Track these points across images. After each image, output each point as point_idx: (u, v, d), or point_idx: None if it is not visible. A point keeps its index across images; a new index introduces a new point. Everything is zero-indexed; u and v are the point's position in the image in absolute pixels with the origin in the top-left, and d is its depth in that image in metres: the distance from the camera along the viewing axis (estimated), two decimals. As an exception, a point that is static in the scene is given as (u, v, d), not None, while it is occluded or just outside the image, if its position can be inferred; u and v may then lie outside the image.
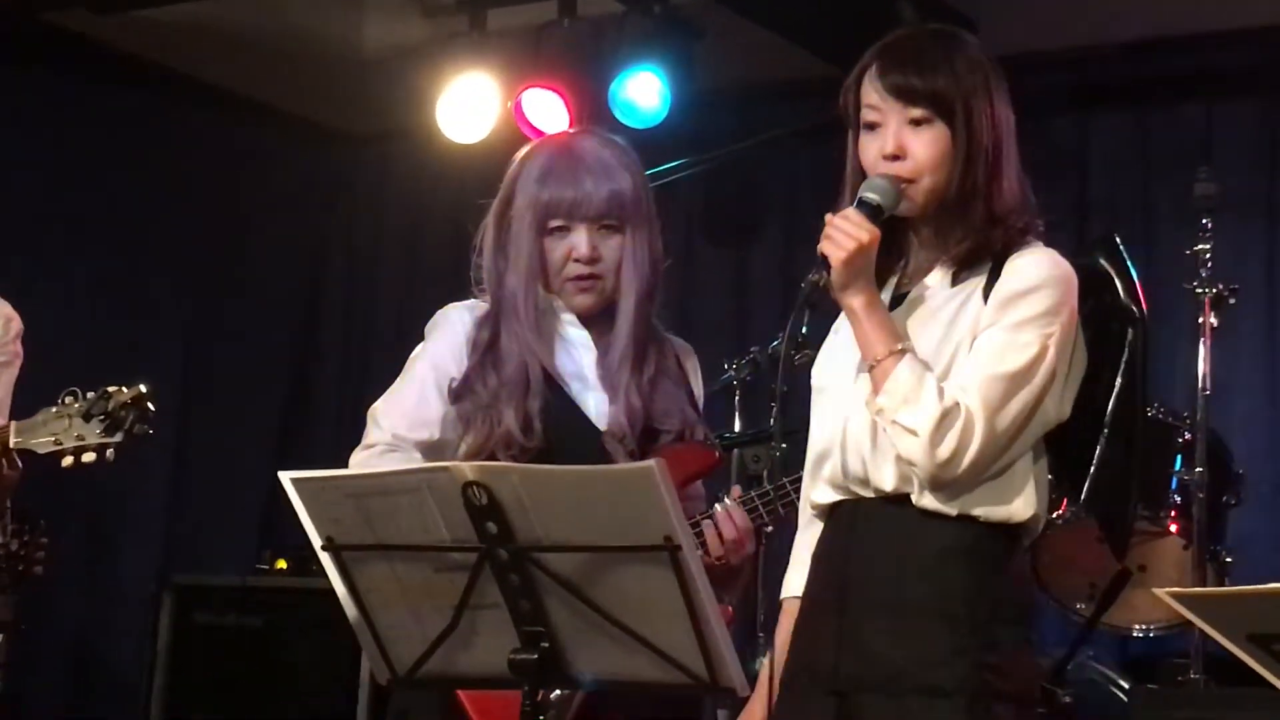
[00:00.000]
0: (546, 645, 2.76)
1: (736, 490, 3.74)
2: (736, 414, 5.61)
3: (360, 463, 3.58)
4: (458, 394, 3.60)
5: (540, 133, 6.21)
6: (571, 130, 4.65)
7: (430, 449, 3.57)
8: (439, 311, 3.76)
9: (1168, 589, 2.48)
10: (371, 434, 3.63)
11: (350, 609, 2.87)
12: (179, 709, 6.57)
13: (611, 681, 2.82)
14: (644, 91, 6.38)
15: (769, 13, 6.27)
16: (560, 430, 3.58)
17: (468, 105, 6.53)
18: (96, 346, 6.81)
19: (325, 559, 2.85)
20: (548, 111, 6.41)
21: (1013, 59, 5.91)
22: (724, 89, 6.80)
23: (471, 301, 3.72)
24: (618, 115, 6.39)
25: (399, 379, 3.70)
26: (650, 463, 2.63)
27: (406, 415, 3.61)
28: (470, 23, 6.54)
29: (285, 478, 2.86)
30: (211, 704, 6.55)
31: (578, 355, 3.69)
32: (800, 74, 6.39)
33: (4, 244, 6.48)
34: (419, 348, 3.73)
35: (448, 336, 3.68)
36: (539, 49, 6.41)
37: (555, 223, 3.63)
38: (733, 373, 5.49)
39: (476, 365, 3.61)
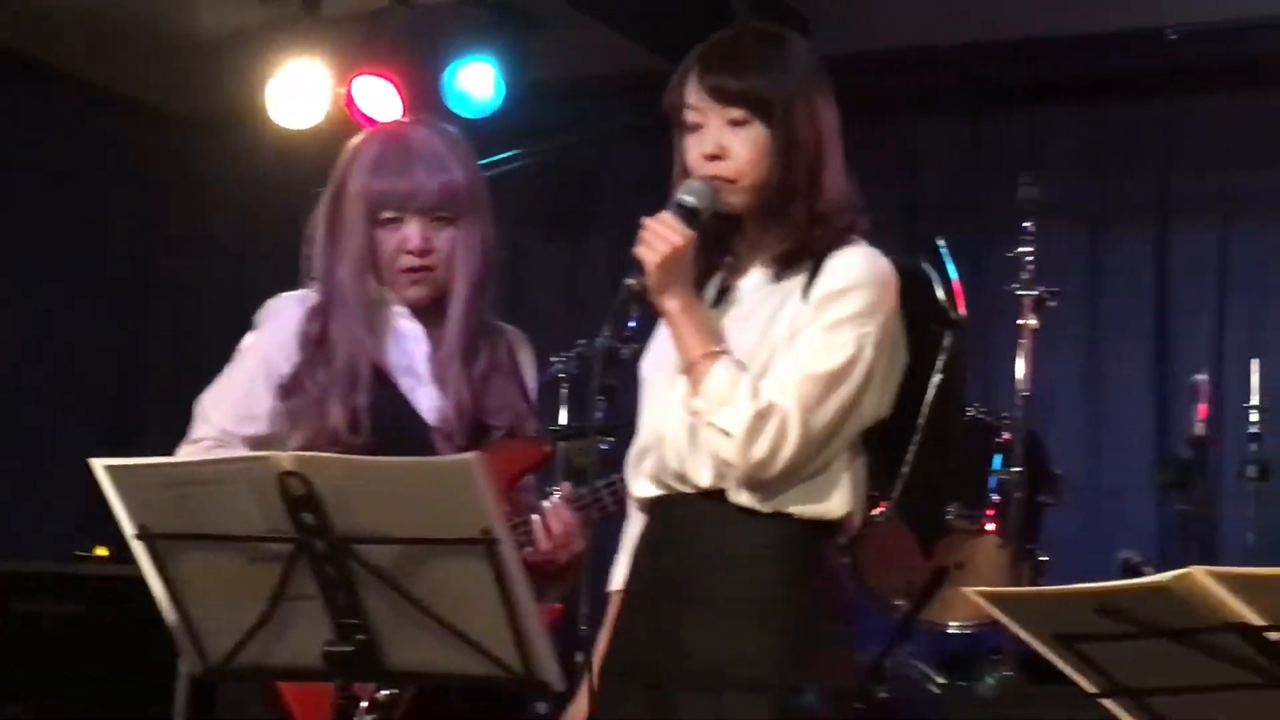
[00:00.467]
0: (362, 638, 2.74)
1: (566, 487, 3.74)
2: (563, 407, 5.62)
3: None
4: (286, 390, 3.56)
5: (371, 120, 6.17)
6: (404, 119, 4.59)
7: (258, 444, 3.50)
8: (269, 301, 3.71)
9: (977, 589, 2.49)
10: (199, 428, 3.58)
11: (163, 599, 2.84)
12: (-4, 698, 6.46)
13: (427, 674, 2.82)
14: (477, 81, 6.36)
15: (605, 7, 6.26)
16: (388, 426, 3.55)
17: (299, 91, 6.47)
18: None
19: (138, 548, 2.80)
20: (379, 99, 6.37)
21: (848, 59, 6.04)
22: (559, 81, 6.80)
23: (303, 292, 3.68)
24: (450, 105, 6.37)
25: (227, 370, 3.65)
26: (468, 456, 2.63)
27: (234, 410, 3.57)
28: (304, 7, 6.48)
29: (97, 465, 2.81)
30: (29, 693, 6.43)
31: (410, 348, 3.66)
32: (635, 68, 6.38)
33: None
34: (248, 337, 3.67)
35: (277, 328, 3.63)
36: (372, 36, 6.37)
37: (387, 214, 3.60)
38: (560, 366, 5.50)
39: (306, 360, 3.57)
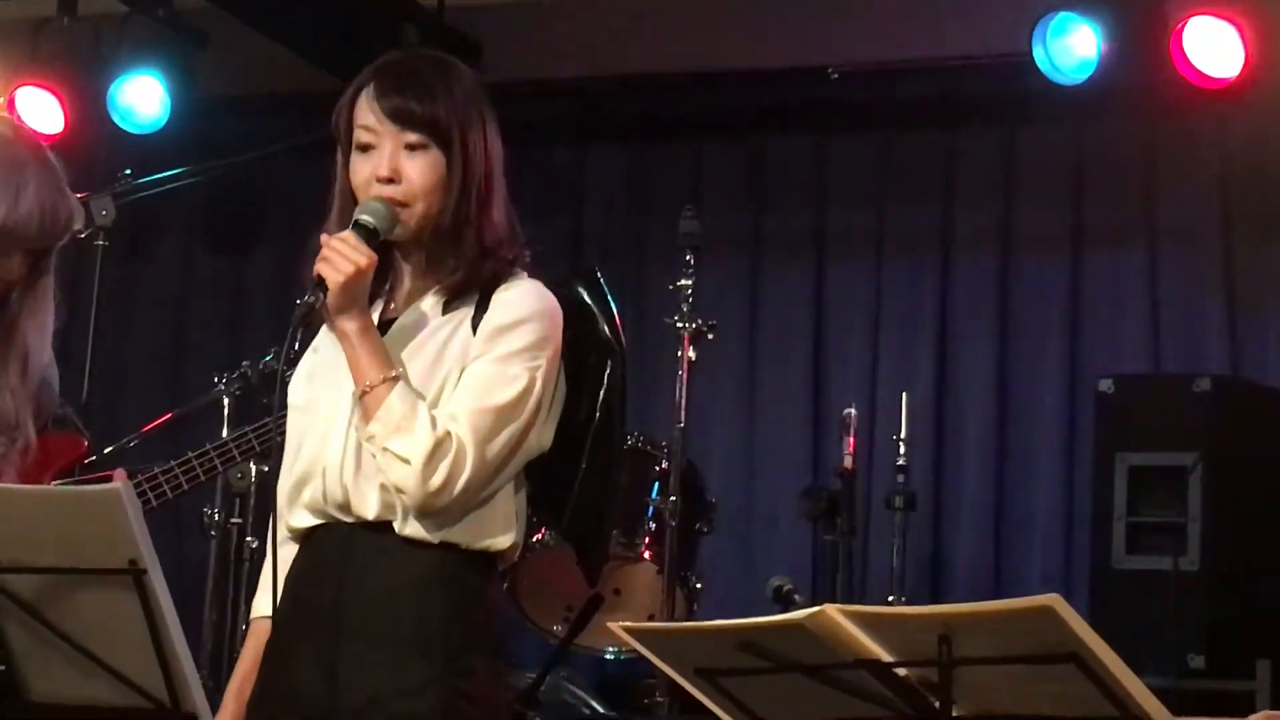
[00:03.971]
0: (2, 668, 2.69)
1: (121, 473, 3.73)
2: (225, 428, 5.51)
3: None
4: None
5: (33, 132, 6.01)
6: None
7: None
8: None
9: (623, 624, 2.56)
10: None
11: None
12: None
13: (71, 706, 2.75)
14: (144, 96, 6.27)
15: (274, 24, 6.21)
16: None
17: None
18: None
19: None
20: (42, 111, 6.21)
21: (514, 86, 6.06)
22: (227, 98, 6.70)
23: None
24: (116, 119, 6.27)
25: None
26: (116, 485, 2.60)
27: None
28: (-40, 14, 6.30)
29: None
30: None
31: None
32: (304, 86, 6.33)
33: None
34: None
35: None
36: (36, 46, 6.21)
37: None
38: (223, 387, 5.40)
39: None
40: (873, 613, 2.38)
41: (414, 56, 3.37)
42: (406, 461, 3.06)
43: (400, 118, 3.17)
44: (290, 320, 3.17)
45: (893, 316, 6.72)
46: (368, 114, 3.19)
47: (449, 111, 3.18)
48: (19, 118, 6.11)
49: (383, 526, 3.12)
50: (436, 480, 3.06)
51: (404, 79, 3.22)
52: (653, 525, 5.41)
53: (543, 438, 3.22)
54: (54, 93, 6.22)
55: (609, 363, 3.40)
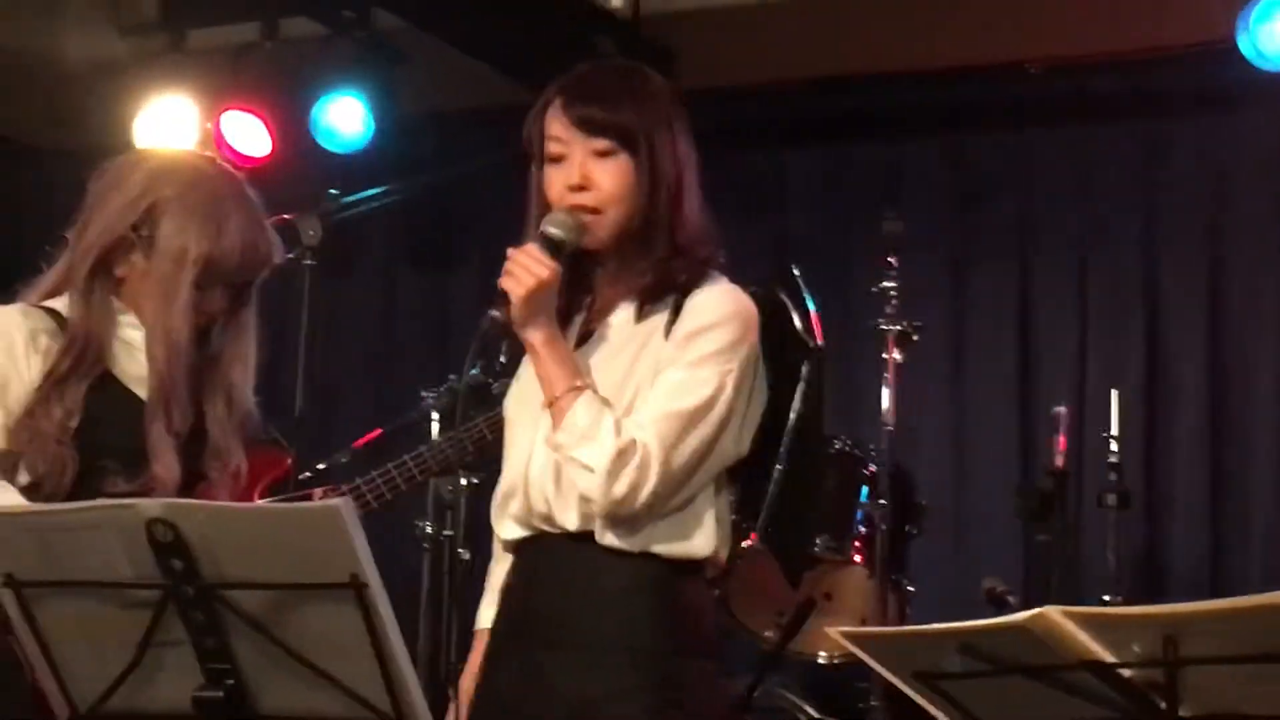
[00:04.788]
0: (231, 682, 2.72)
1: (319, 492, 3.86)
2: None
3: None
4: None
5: (241, 155, 6.14)
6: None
7: None
8: None
9: (839, 629, 2.54)
10: None
11: (30, 644, 2.81)
12: None
13: (297, 719, 2.79)
14: (346, 116, 6.36)
15: (471, 40, 6.27)
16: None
17: (167, 125, 6.42)
18: None
19: (4, 596, 2.78)
20: (248, 134, 6.33)
21: (713, 92, 6.07)
22: (427, 114, 6.79)
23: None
24: (320, 139, 6.36)
25: None
26: (336, 502, 2.62)
27: None
28: (170, 42, 6.44)
29: None
30: None
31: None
32: (502, 101, 6.38)
33: None
34: None
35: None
36: (239, 70, 6.33)
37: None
38: (430, 401, 5.46)
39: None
40: (1095, 613, 2.35)
41: (601, 66, 3.42)
42: (590, 470, 3.09)
43: (587, 125, 3.21)
44: (474, 333, 3.21)
45: (1100, 311, 6.65)
46: (557, 125, 3.23)
47: (635, 117, 3.21)
48: (226, 142, 6.25)
49: (585, 537, 3.15)
50: (620, 488, 3.08)
51: (590, 88, 3.26)
52: (863, 529, 5.40)
53: (740, 444, 3.22)
54: (259, 116, 6.34)
55: (805, 362, 3.41)
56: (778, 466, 3.38)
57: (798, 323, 3.43)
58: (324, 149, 6.32)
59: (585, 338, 3.26)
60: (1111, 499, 5.63)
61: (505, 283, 3.13)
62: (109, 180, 3.57)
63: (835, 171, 7.05)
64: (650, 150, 3.20)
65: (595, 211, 3.19)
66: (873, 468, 5.42)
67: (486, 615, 3.33)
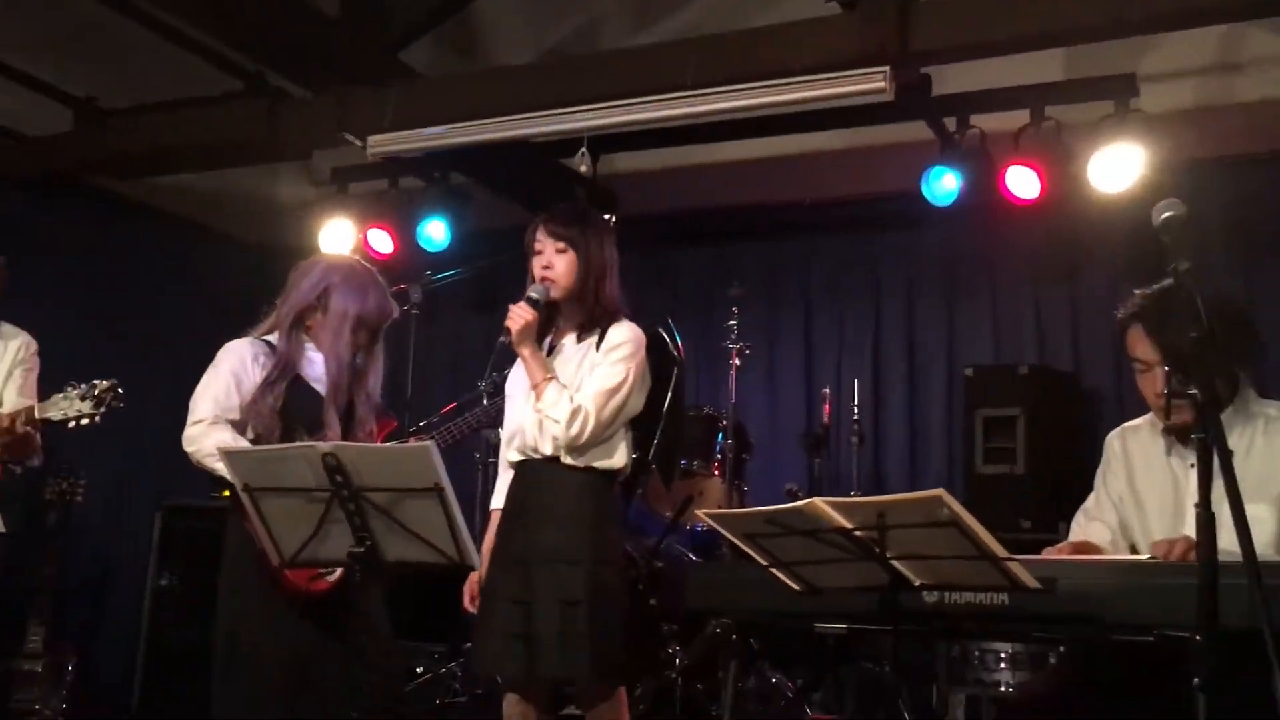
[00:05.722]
0: (369, 543, 2.66)
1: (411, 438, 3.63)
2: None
3: (196, 435, 3.23)
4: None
5: (376, 253, 6.06)
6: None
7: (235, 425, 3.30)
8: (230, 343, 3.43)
9: (705, 510, 2.51)
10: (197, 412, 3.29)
11: (259, 525, 2.73)
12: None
13: (407, 562, 2.69)
14: (436, 231, 6.22)
15: (506, 188, 6.26)
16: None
17: (338, 237, 6.02)
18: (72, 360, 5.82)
19: (244, 496, 2.69)
20: (381, 242, 6.02)
21: (639, 217, 6.02)
22: (481, 229, 6.64)
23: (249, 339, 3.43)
24: (421, 244, 6.13)
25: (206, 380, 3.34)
26: (427, 443, 2.56)
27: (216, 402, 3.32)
28: (338, 189, 6.40)
29: (220, 450, 2.74)
30: (178, 569, 5.84)
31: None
32: (520, 222, 6.05)
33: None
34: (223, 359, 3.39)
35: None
36: (378, 204, 6.27)
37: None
38: (480, 388, 5.45)
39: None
40: (842, 502, 2.30)
41: (567, 205, 3.37)
42: (557, 422, 3.08)
43: (553, 235, 3.20)
44: (493, 349, 3.26)
45: (848, 338, 6.17)
46: (538, 235, 3.21)
47: (579, 232, 3.19)
48: (369, 246, 5.97)
49: (554, 460, 3.12)
50: (573, 431, 3.08)
51: (557, 217, 3.24)
52: (719, 457, 5.20)
53: (637, 406, 3.20)
54: (388, 231, 5.94)
55: (675, 367, 3.45)
56: (660, 422, 3.34)
57: (670, 346, 3.45)
58: (423, 249, 6.26)
59: (551, 350, 3.25)
60: (855, 441, 5.55)
61: (508, 322, 3.14)
62: (302, 270, 3.46)
63: (708, 261, 6.92)
64: (587, 251, 3.19)
65: (554, 282, 3.19)
66: (724, 422, 5.22)
67: (498, 500, 3.27)
